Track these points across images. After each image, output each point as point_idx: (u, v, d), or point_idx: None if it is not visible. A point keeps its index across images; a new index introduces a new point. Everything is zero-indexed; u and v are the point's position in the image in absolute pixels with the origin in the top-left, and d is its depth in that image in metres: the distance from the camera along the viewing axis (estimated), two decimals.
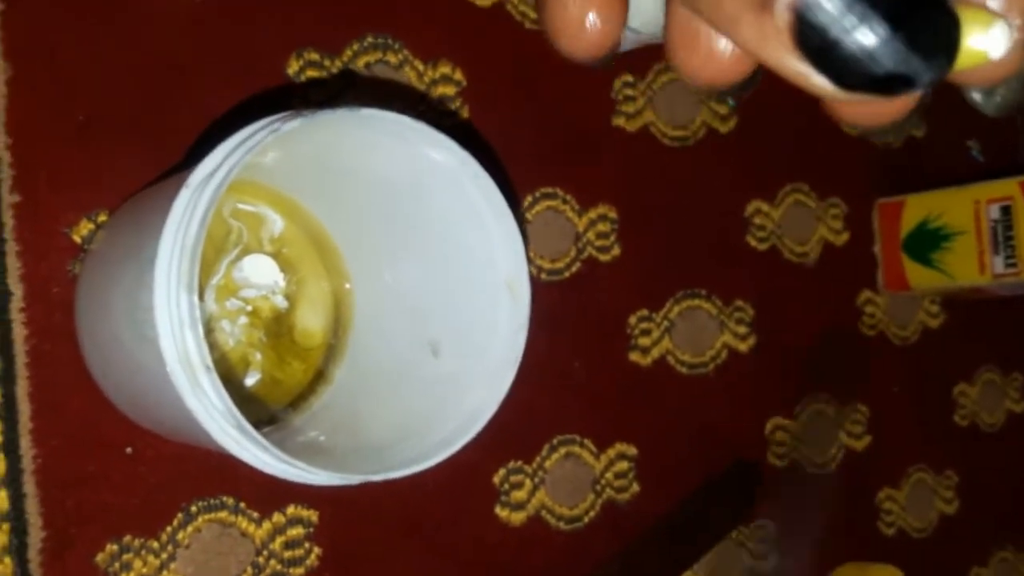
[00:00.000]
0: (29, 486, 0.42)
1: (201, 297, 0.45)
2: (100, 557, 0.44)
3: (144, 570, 0.44)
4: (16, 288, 0.43)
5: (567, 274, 0.57)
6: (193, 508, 0.46)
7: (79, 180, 0.45)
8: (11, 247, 0.43)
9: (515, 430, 0.54)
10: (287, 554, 0.48)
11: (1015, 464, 0.75)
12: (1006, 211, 0.63)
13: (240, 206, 0.46)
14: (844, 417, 0.67)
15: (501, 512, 0.54)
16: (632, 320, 0.59)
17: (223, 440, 0.35)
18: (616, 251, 0.58)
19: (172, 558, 0.45)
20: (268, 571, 0.47)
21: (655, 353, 0.59)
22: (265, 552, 0.47)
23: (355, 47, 0.51)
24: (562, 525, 0.55)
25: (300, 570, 0.48)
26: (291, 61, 0.50)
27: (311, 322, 0.48)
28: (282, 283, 0.48)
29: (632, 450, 0.58)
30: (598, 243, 0.58)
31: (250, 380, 0.47)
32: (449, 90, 0.54)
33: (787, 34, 0.18)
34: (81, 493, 0.43)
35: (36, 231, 0.44)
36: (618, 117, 0.59)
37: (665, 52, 0.22)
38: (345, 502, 0.49)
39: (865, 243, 0.69)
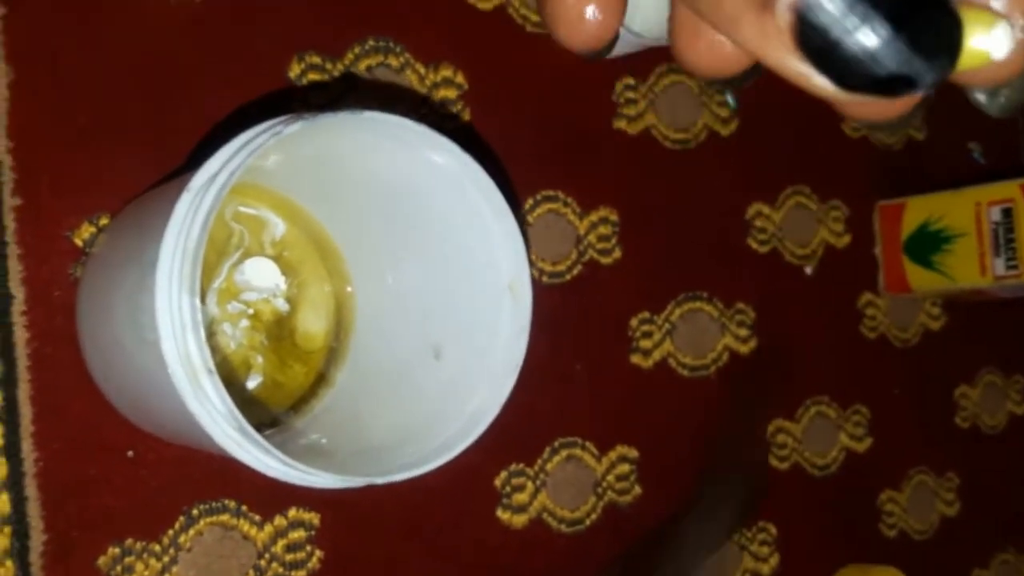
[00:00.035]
0: (31, 489, 0.42)
1: (203, 300, 0.45)
2: (102, 560, 0.44)
3: (146, 573, 0.44)
4: (18, 291, 0.43)
5: (568, 277, 0.57)
6: (195, 511, 0.46)
7: (81, 183, 0.45)
8: (13, 250, 0.43)
9: (517, 433, 0.54)
10: (289, 557, 0.48)
11: (1016, 466, 0.75)
12: (1007, 213, 0.63)
13: (242, 209, 0.46)
14: (845, 419, 0.67)
15: (503, 515, 0.54)
16: (633, 322, 0.59)
17: (225, 443, 0.35)
18: (617, 254, 0.58)
19: (174, 561, 0.45)
20: (270, 574, 0.47)
21: (656, 355, 0.59)
22: (267, 555, 0.47)
23: (357, 50, 0.51)
24: (563, 528, 0.55)
25: (302, 573, 0.48)
26: (293, 64, 0.50)
27: (313, 325, 0.48)
28: (283, 286, 0.48)
29: (633, 452, 0.58)
30: (599, 246, 0.58)
31: (251, 383, 0.47)
32: (451, 93, 0.54)
33: (788, 34, 0.18)
34: (83, 496, 0.43)
35: (38, 234, 0.44)
36: (619, 120, 0.59)
37: (669, 42, 0.22)
38: (346, 505, 0.49)
39: (866, 245, 0.69)
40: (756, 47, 0.19)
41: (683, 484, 0.60)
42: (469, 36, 0.55)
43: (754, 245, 0.64)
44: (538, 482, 0.55)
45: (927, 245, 0.67)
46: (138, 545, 0.44)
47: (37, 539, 0.42)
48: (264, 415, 0.47)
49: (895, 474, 0.69)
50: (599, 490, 0.57)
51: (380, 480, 0.37)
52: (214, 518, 0.46)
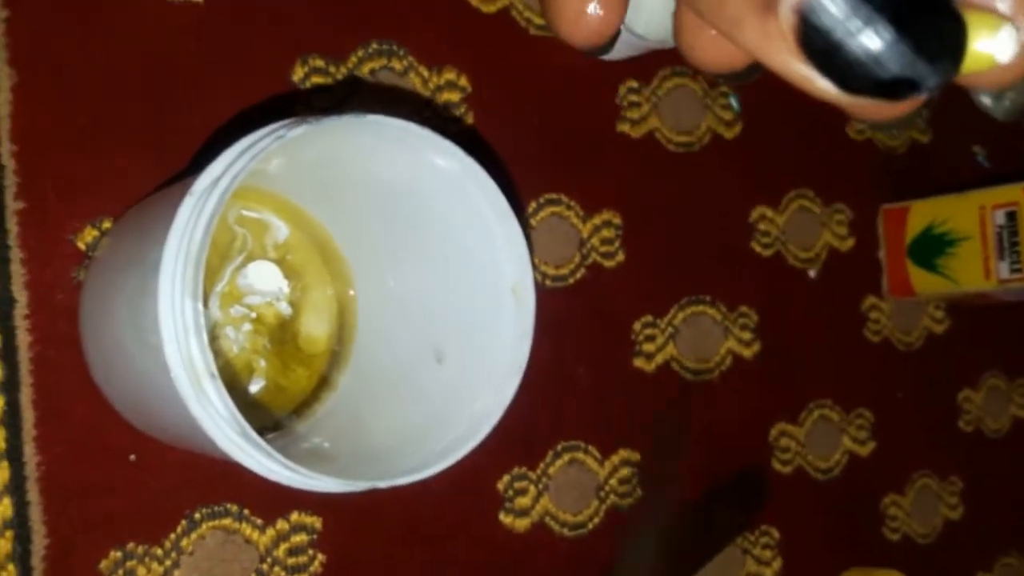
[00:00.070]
0: (33, 493, 0.42)
1: (205, 304, 0.45)
2: (104, 564, 0.44)
3: None
4: (20, 295, 0.43)
5: (571, 280, 0.57)
6: (197, 515, 0.46)
7: (84, 187, 0.45)
8: (16, 254, 0.43)
9: (519, 436, 0.54)
10: (291, 561, 0.48)
11: (1020, 470, 0.74)
12: (1011, 217, 0.63)
13: (244, 213, 0.46)
14: (848, 423, 0.67)
15: (505, 519, 0.53)
16: (636, 326, 0.59)
17: (227, 447, 0.35)
18: (620, 257, 0.58)
19: (176, 565, 0.45)
20: None
21: (659, 359, 0.59)
22: (269, 559, 0.47)
23: (360, 53, 0.51)
24: (566, 532, 0.55)
25: None
26: (296, 67, 0.50)
27: (315, 328, 0.48)
28: (286, 289, 0.47)
29: (636, 456, 0.58)
30: (602, 249, 0.58)
31: (254, 387, 0.47)
32: (454, 96, 0.54)
33: (791, 37, 0.18)
34: (85, 500, 0.43)
35: (41, 238, 0.44)
36: (623, 123, 0.59)
37: (675, 38, 0.22)
38: (349, 508, 0.49)
39: (870, 249, 0.69)
40: (758, 49, 0.19)
41: (686, 488, 0.59)
42: (472, 39, 0.55)
43: (757, 248, 0.64)
44: (540, 486, 0.55)
45: (931, 248, 0.66)
46: (140, 549, 0.44)
47: (39, 543, 0.42)
48: (266, 419, 0.47)
49: (898, 478, 0.69)
50: (602, 494, 0.56)
51: (382, 484, 0.37)
52: (216, 522, 0.46)
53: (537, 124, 0.57)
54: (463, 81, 0.54)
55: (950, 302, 0.71)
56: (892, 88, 0.18)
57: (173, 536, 0.45)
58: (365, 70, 0.52)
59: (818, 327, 0.66)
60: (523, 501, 0.54)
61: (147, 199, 0.44)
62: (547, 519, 0.55)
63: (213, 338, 0.45)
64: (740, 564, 0.61)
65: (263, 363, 0.47)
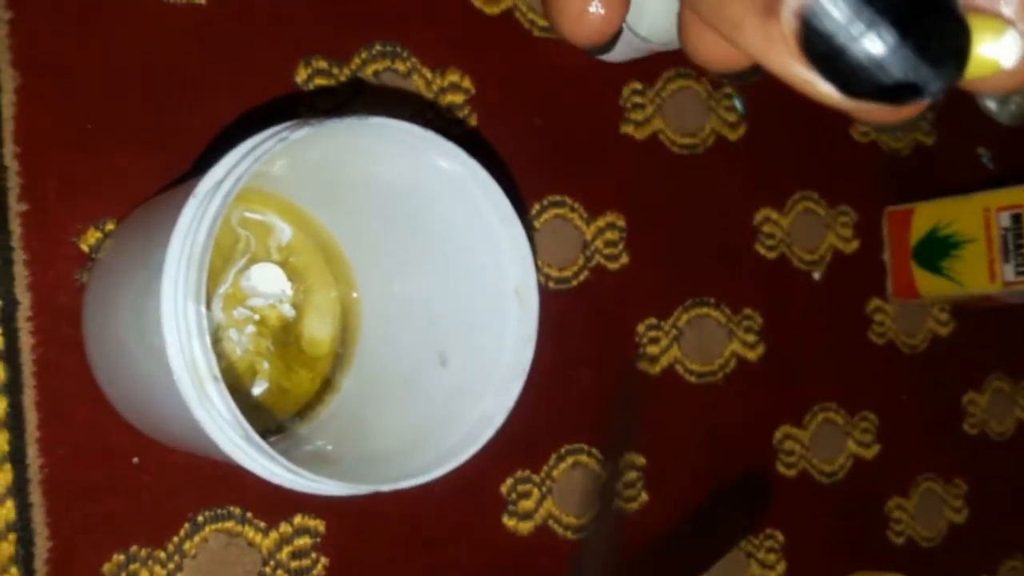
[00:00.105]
0: (36, 496, 0.42)
1: (208, 306, 0.45)
2: (107, 567, 0.43)
3: None
4: (23, 297, 0.43)
5: (575, 283, 0.57)
6: (200, 518, 0.46)
7: (87, 189, 0.45)
8: (19, 256, 0.43)
9: (523, 439, 0.54)
10: (294, 564, 0.47)
11: None
12: (1016, 219, 0.62)
13: (248, 215, 0.46)
14: (853, 426, 0.66)
15: (508, 521, 0.53)
16: (640, 328, 0.59)
17: (230, 450, 0.35)
18: (624, 259, 0.58)
19: (179, 568, 0.45)
20: None
21: (664, 362, 0.59)
22: (272, 562, 0.47)
23: (363, 55, 0.51)
24: (570, 535, 0.55)
25: None
26: (299, 69, 0.50)
27: (318, 331, 0.48)
28: (289, 292, 0.47)
29: (640, 459, 0.58)
30: (606, 251, 0.58)
31: (257, 389, 0.46)
32: (457, 98, 0.54)
33: (793, 41, 0.18)
34: (87, 503, 0.43)
35: (44, 240, 0.44)
36: (627, 125, 0.59)
37: (679, 37, 0.22)
38: (352, 512, 0.49)
39: (874, 251, 0.69)
40: (760, 52, 0.19)
41: (690, 491, 0.59)
42: (476, 41, 0.55)
43: (762, 250, 0.64)
44: (544, 489, 0.54)
45: (936, 251, 0.66)
46: (143, 552, 0.44)
47: (42, 546, 0.42)
48: (269, 421, 0.46)
49: (903, 481, 0.68)
50: None
51: (386, 488, 0.37)
52: (219, 525, 0.46)
53: (541, 126, 0.56)
54: (467, 83, 0.54)
55: (955, 304, 0.71)
56: (895, 93, 0.18)
57: (176, 539, 0.45)
58: (368, 72, 0.52)
59: (822, 329, 0.66)
60: (526, 504, 0.54)
61: (150, 201, 0.44)
62: (551, 522, 0.55)
63: (216, 340, 0.45)
64: (744, 568, 0.61)
65: (266, 365, 0.47)
